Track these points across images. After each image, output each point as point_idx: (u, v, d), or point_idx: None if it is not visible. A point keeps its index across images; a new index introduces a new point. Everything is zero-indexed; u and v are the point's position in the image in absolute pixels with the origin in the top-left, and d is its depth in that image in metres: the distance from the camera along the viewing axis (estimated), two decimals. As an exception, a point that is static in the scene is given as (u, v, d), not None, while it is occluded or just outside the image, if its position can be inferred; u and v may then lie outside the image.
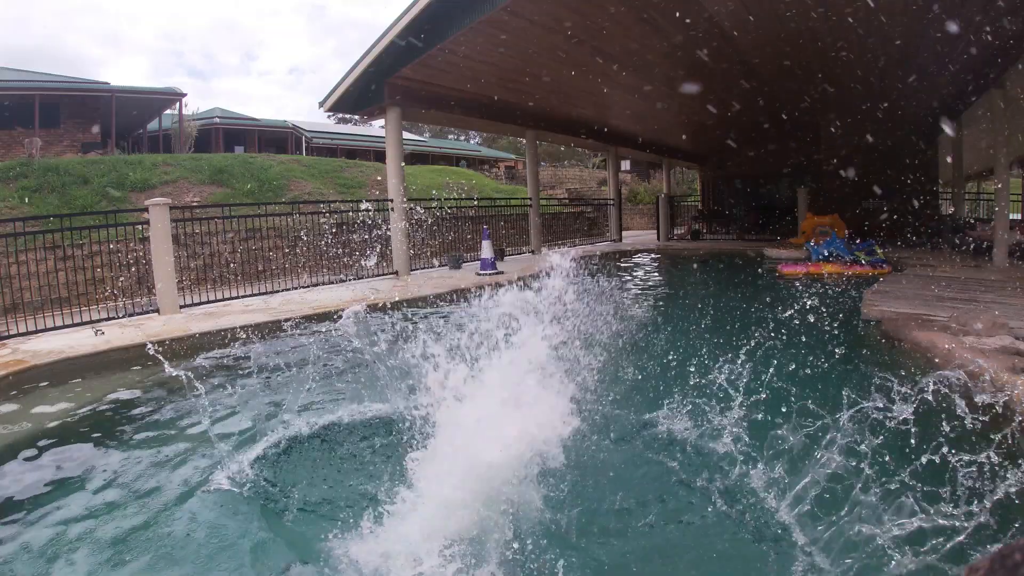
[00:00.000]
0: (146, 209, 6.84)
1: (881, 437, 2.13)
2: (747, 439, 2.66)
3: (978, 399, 2.14)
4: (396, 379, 3.20)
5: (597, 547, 2.22)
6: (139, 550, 2.21)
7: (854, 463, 2.16)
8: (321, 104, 9.99)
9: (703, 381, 3.04)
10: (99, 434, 3.43)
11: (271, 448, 3.12)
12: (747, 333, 3.38)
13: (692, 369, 3.25)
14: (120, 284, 8.06)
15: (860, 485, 2.09)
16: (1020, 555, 0.41)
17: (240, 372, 4.52)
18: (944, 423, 2.07)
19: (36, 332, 5.67)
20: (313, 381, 3.68)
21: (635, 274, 10.90)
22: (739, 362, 2.89)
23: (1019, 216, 18.35)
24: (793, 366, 3.49)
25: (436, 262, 11.49)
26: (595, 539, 2.26)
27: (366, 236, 10.49)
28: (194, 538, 2.29)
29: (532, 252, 13.46)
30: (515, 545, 2.01)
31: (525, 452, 2.04)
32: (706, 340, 4.89)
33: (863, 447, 2.16)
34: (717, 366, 2.96)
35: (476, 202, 14.03)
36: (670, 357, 4.17)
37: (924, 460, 2.00)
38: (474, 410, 2.19)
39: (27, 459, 3.09)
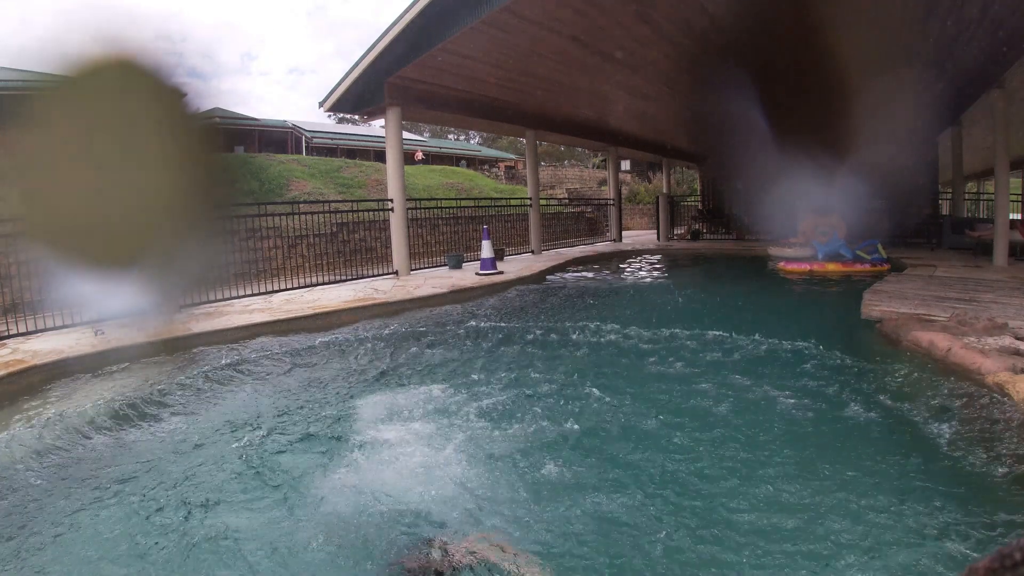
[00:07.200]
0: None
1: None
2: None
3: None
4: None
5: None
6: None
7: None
8: (321, 104, 9.98)
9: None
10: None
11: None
12: (754, 337, 3.39)
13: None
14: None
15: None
16: (1020, 555, 0.41)
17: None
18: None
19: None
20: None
21: (639, 276, 10.89)
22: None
23: (1019, 216, 18.34)
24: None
25: (430, 262, 11.48)
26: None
27: (366, 236, 10.49)
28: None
29: (532, 252, 13.46)
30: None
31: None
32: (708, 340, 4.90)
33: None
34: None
35: (475, 202, 14.04)
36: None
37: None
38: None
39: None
